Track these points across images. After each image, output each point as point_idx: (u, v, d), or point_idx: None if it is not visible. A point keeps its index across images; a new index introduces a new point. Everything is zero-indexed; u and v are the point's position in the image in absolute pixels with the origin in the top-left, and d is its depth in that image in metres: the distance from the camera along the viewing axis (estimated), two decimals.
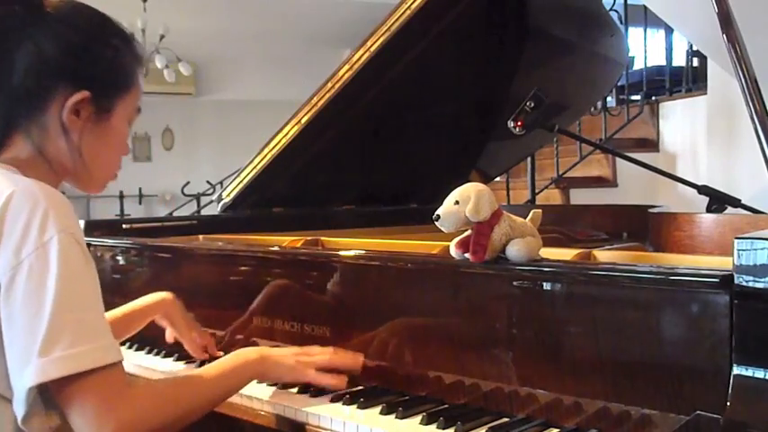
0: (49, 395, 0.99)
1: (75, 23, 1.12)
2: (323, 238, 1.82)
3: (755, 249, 0.91)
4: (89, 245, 1.94)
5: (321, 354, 1.30)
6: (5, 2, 1.09)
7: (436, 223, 1.17)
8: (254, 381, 1.30)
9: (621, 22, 4.04)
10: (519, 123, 1.88)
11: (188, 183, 8.72)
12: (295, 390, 1.31)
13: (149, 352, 1.65)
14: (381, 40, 1.89)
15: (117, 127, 1.18)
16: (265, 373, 1.26)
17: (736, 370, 0.93)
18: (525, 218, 1.21)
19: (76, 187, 1.19)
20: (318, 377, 1.27)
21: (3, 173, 1.06)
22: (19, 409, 0.97)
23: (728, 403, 0.92)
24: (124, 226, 2.05)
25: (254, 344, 1.52)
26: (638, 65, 4.98)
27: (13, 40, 1.08)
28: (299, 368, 1.27)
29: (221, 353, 1.52)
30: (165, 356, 1.61)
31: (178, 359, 1.57)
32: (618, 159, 4.00)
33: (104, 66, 1.14)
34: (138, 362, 1.58)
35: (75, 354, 0.95)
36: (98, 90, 1.12)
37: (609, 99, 4.69)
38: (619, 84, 4.27)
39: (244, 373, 1.22)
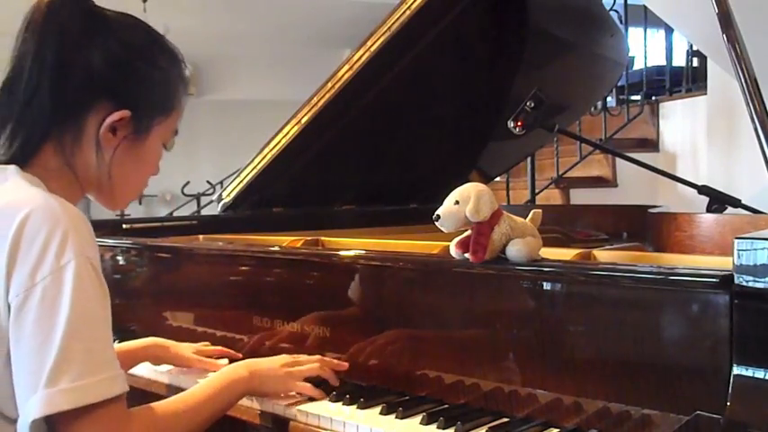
0: (53, 424, 0.96)
1: (128, 40, 1.10)
2: (323, 238, 1.82)
3: (755, 249, 0.91)
4: None
5: (309, 365, 1.31)
6: (71, 7, 1.07)
7: (436, 223, 1.17)
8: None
9: (621, 22, 4.04)
10: (519, 123, 1.88)
11: (188, 183, 8.72)
12: None
13: None
14: (381, 40, 1.89)
15: (151, 149, 1.15)
16: (256, 388, 1.25)
17: (736, 370, 0.93)
18: (525, 218, 1.21)
19: (98, 201, 1.17)
20: (309, 389, 1.27)
21: (25, 184, 1.04)
22: None
23: (728, 403, 0.92)
24: (124, 226, 2.05)
25: (253, 344, 1.53)
26: (638, 65, 4.98)
27: (68, 47, 1.06)
28: (289, 380, 1.27)
29: (225, 360, 1.52)
30: None
31: None
32: (618, 159, 4.00)
33: (150, 87, 1.11)
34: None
35: (83, 386, 0.93)
36: (139, 111, 1.09)
37: (609, 99, 4.69)
38: (619, 84, 4.26)
39: (234, 392, 1.21)
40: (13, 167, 1.06)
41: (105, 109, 1.07)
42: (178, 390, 1.42)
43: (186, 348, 1.53)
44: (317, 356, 1.35)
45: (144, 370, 1.54)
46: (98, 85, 1.07)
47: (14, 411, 0.97)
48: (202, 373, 1.47)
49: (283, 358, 1.32)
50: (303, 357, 1.34)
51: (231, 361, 1.45)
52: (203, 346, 1.55)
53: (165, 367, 1.54)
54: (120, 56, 1.08)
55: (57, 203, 0.99)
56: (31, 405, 0.93)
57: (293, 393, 1.28)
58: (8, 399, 0.96)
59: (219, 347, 1.55)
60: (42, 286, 0.94)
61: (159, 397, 1.42)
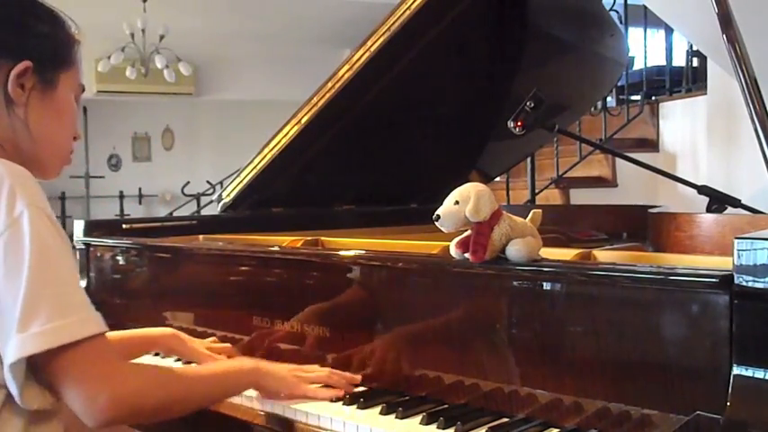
0: (41, 372, 0.99)
1: (10, 2, 1.14)
2: (323, 238, 1.82)
3: (755, 249, 0.91)
4: (89, 245, 1.96)
5: (317, 372, 1.30)
6: None
7: (436, 223, 1.17)
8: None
9: (621, 22, 4.03)
10: (519, 123, 1.88)
11: (188, 183, 8.73)
12: None
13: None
14: (381, 40, 1.89)
15: (63, 100, 1.17)
16: (260, 382, 1.25)
17: (736, 370, 0.93)
18: (525, 218, 1.21)
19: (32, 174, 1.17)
20: (313, 392, 1.26)
21: None
22: (11, 387, 0.98)
23: (728, 403, 0.92)
24: (124, 226, 2.04)
25: (254, 345, 1.53)
26: (638, 65, 4.98)
27: None
28: (294, 382, 1.26)
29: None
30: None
31: None
32: (618, 159, 4.00)
33: (42, 39, 1.14)
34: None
35: (53, 328, 0.95)
36: (39, 61, 1.12)
37: (609, 99, 4.69)
38: (619, 84, 4.26)
39: (237, 379, 1.22)
40: None
41: (6, 67, 1.10)
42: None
43: (200, 345, 1.53)
44: (328, 369, 1.32)
45: (147, 360, 1.54)
46: None
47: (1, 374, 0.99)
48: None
49: (292, 365, 1.32)
50: (314, 367, 1.32)
51: None
52: (212, 342, 1.56)
53: (169, 360, 1.54)
54: (4, 14, 1.12)
55: None
56: (7, 352, 0.96)
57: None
58: None
59: (228, 345, 1.55)
60: (3, 242, 0.97)
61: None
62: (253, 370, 1.24)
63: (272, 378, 1.26)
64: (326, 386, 1.29)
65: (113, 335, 1.39)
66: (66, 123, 1.19)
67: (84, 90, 1.23)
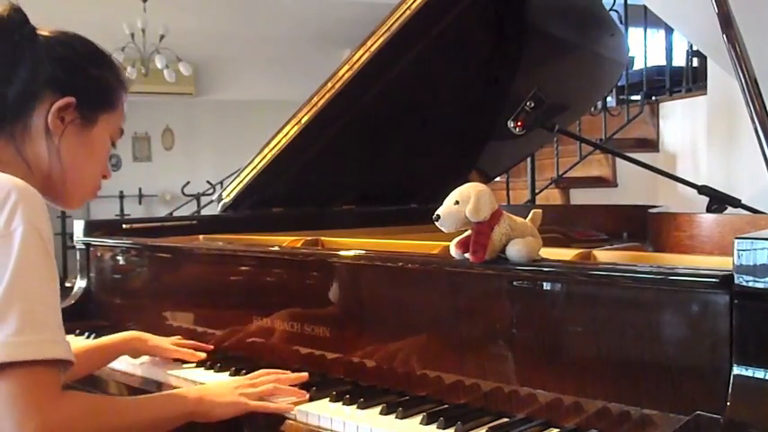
0: None
1: (69, 44, 1.21)
2: (323, 238, 1.82)
3: (755, 249, 0.91)
4: (89, 245, 1.96)
5: (265, 383, 1.28)
6: (3, 35, 1.15)
7: (436, 223, 1.17)
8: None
9: (621, 22, 4.03)
10: (519, 123, 1.88)
11: (188, 183, 8.72)
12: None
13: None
14: (381, 40, 1.89)
15: (98, 139, 1.23)
16: (205, 413, 1.21)
17: (736, 370, 0.93)
18: (525, 218, 1.21)
19: (53, 202, 1.21)
20: (262, 406, 1.24)
21: None
22: None
23: (728, 403, 0.92)
24: (124, 226, 2.04)
25: (254, 344, 1.53)
26: (638, 65, 4.98)
27: (10, 61, 1.15)
28: (239, 402, 1.23)
29: (203, 354, 1.54)
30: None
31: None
32: (618, 159, 4.00)
33: (91, 80, 1.21)
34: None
35: (14, 342, 0.96)
36: (83, 99, 1.18)
37: (609, 99, 4.69)
38: (619, 84, 4.26)
39: (177, 406, 1.19)
40: None
41: (51, 99, 1.16)
42: (153, 382, 1.48)
43: (164, 340, 1.56)
44: (274, 375, 1.31)
45: (121, 364, 1.56)
46: (43, 78, 1.16)
47: None
48: (176, 365, 1.51)
49: (237, 380, 1.30)
50: (261, 378, 1.31)
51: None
52: (178, 339, 1.59)
53: (141, 359, 1.57)
54: (62, 55, 1.19)
55: (10, 179, 1.05)
56: None
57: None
58: None
59: (193, 342, 1.58)
60: None
61: (137, 391, 1.45)
62: (196, 400, 1.21)
63: (216, 406, 1.22)
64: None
65: (78, 347, 1.40)
66: (97, 161, 1.24)
67: (122, 134, 1.29)
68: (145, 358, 1.57)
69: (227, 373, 1.44)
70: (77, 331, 1.79)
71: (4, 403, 0.97)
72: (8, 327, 0.96)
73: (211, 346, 1.57)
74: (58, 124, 1.16)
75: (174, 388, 1.41)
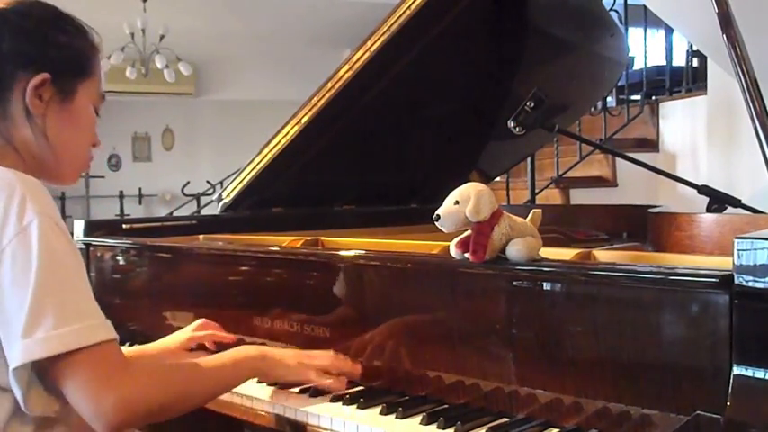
0: (48, 379, 1.00)
1: (29, 13, 1.14)
2: (323, 238, 1.82)
3: (755, 249, 0.91)
4: (89, 245, 1.96)
5: (322, 357, 1.30)
6: None
7: (436, 223, 1.17)
8: (255, 380, 1.30)
9: (621, 22, 4.03)
10: (519, 123, 1.88)
11: (188, 183, 8.73)
12: (296, 390, 1.31)
13: None
14: (381, 40, 1.89)
15: (81, 109, 1.18)
16: (266, 370, 1.25)
17: (736, 370, 0.93)
18: (525, 218, 1.21)
19: (49, 181, 1.18)
20: (319, 378, 1.27)
21: None
22: (16, 391, 0.98)
23: (728, 403, 0.92)
24: (124, 226, 2.04)
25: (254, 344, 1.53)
26: (638, 65, 4.98)
27: None
28: (300, 368, 1.26)
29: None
30: None
31: None
32: (618, 159, 4.00)
33: (61, 50, 1.15)
34: None
35: (59, 334, 0.96)
36: (57, 73, 1.13)
37: (609, 99, 4.69)
38: (619, 84, 4.26)
39: (244, 367, 1.21)
40: None
41: (25, 79, 1.11)
42: None
43: (176, 341, 1.51)
44: (331, 351, 1.32)
45: None
46: (12, 58, 1.11)
47: (7, 380, 0.99)
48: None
49: (296, 351, 1.32)
50: (317, 351, 1.32)
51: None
52: (197, 328, 1.54)
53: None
54: (25, 27, 1.12)
55: (9, 172, 1.03)
56: (11, 357, 0.96)
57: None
58: (2, 368, 0.99)
59: (215, 333, 1.54)
60: (11, 249, 0.97)
61: None
62: (259, 357, 1.24)
63: (279, 366, 1.25)
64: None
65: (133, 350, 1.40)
66: (84, 132, 1.20)
67: (104, 99, 1.23)
68: None
69: None
70: None
71: (77, 391, 0.97)
72: (46, 321, 0.96)
73: (234, 336, 1.53)
74: (38, 104, 1.12)
75: None
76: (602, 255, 1.35)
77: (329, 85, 1.94)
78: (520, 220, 1.19)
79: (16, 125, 1.12)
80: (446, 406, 1.20)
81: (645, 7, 4.25)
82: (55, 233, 1.00)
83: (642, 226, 1.85)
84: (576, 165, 4.42)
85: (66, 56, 1.16)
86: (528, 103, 1.86)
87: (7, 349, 0.98)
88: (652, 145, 4.57)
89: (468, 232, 1.18)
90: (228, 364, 1.20)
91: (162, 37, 7.16)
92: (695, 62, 5.07)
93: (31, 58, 1.12)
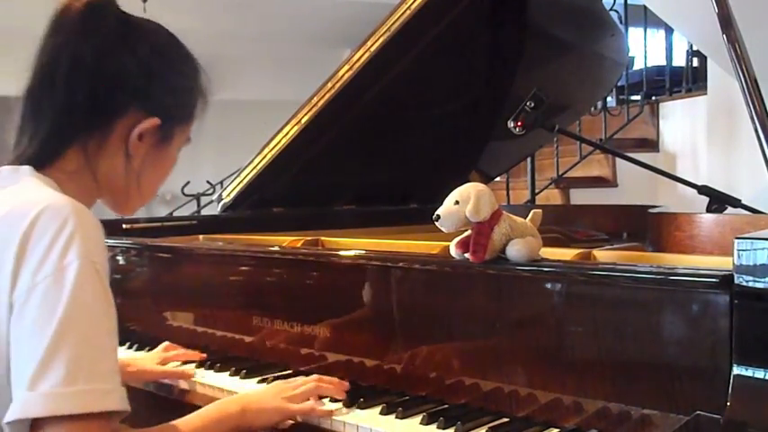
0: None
1: (159, 47, 1.11)
2: (323, 238, 1.82)
3: (755, 249, 0.91)
4: None
5: (305, 385, 1.26)
6: (107, 11, 1.06)
7: (436, 223, 1.17)
8: (254, 381, 1.29)
9: (621, 22, 4.03)
10: (519, 123, 1.88)
11: (188, 183, 8.71)
12: None
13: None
14: (381, 40, 1.89)
15: (171, 156, 1.15)
16: (250, 423, 1.20)
17: (736, 370, 0.93)
18: (525, 218, 1.21)
19: (113, 209, 1.14)
20: (307, 410, 1.23)
21: (38, 185, 1.00)
22: None
23: (728, 403, 0.92)
24: (124, 226, 2.04)
25: (254, 344, 1.53)
26: (638, 65, 4.97)
27: (106, 52, 1.05)
28: (281, 409, 1.22)
29: (191, 366, 1.52)
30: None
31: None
32: (618, 159, 4.00)
33: (177, 95, 1.12)
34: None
35: (62, 393, 0.86)
36: (166, 119, 1.09)
37: (609, 99, 4.69)
38: (619, 84, 4.26)
39: (226, 426, 1.17)
40: (26, 168, 1.03)
41: (135, 116, 1.06)
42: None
43: (149, 360, 1.51)
44: (315, 376, 1.30)
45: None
46: (131, 92, 1.06)
47: None
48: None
49: (277, 386, 1.28)
50: (299, 380, 1.29)
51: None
52: (164, 350, 1.55)
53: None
54: (151, 63, 1.08)
55: (69, 204, 0.95)
56: (12, 407, 0.88)
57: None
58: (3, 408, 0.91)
59: (183, 352, 1.55)
60: (43, 286, 0.89)
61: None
62: (239, 413, 1.19)
63: (261, 414, 1.21)
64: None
65: None
66: (165, 174, 1.16)
67: (189, 142, 1.19)
68: None
69: (227, 373, 1.44)
70: None
71: None
72: (55, 375, 0.86)
73: (203, 355, 1.54)
74: (138, 145, 1.07)
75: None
76: (602, 255, 1.35)
77: (329, 85, 1.94)
78: (520, 220, 1.19)
79: (107, 156, 1.06)
80: (446, 406, 1.20)
81: (645, 7, 4.25)
82: (92, 281, 0.92)
83: (642, 226, 1.85)
84: (576, 165, 4.42)
85: (179, 103, 1.13)
86: (528, 103, 1.86)
87: (12, 394, 0.89)
88: (652, 145, 4.56)
89: (469, 232, 1.18)
90: (210, 425, 1.16)
91: None
92: (695, 62, 5.07)
93: (149, 97, 1.07)
